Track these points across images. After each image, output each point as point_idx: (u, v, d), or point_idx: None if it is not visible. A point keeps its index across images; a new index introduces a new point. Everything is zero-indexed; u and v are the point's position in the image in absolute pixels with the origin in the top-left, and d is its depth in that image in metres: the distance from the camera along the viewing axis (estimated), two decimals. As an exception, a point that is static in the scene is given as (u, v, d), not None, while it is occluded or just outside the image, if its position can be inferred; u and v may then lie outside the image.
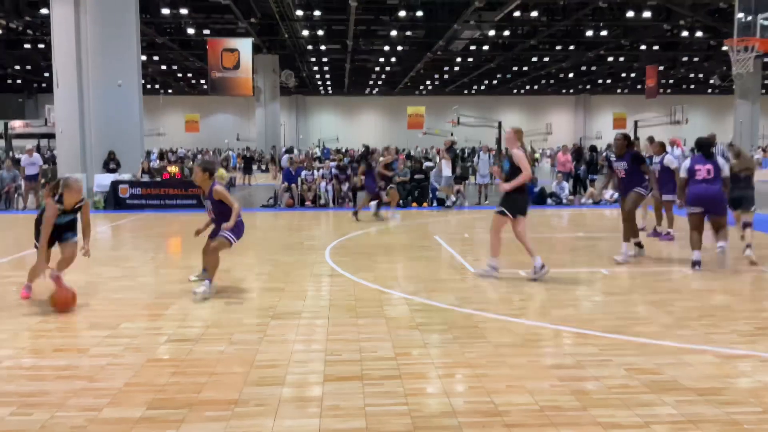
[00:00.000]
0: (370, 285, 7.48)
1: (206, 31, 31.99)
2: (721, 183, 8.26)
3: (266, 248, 10.45)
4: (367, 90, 57.84)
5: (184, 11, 27.74)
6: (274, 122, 38.56)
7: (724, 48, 11.45)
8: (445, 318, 6.02)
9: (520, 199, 7.71)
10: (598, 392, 4.18)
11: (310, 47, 36.83)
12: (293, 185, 17.46)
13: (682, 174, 8.52)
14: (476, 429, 3.63)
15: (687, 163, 8.63)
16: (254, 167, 30.90)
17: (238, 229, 7.06)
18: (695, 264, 8.21)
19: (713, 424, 3.69)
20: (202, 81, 46.00)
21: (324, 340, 5.33)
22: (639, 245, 9.18)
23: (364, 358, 4.84)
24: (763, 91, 36.34)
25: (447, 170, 17.18)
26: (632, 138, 9.73)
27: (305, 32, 32.34)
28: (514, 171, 7.60)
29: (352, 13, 25.80)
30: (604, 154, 22.26)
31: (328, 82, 53.71)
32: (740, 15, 11.37)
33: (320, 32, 32.38)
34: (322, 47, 36.59)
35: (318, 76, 49.59)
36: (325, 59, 41.37)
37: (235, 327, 5.73)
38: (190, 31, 31.40)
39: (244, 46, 28.39)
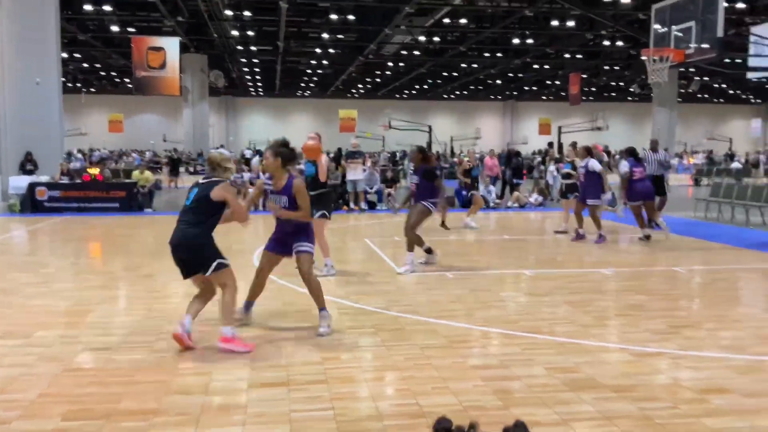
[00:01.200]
0: (299, 289, 7.41)
1: (131, 29, 31.01)
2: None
3: (193, 252, 10.20)
4: (299, 92, 57.46)
5: (107, 8, 26.82)
6: (203, 123, 37.73)
7: (643, 58, 11.96)
8: (373, 321, 6.05)
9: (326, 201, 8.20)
10: (519, 391, 4.29)
11: (240, 48, 36.28)
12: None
13: (625, 175, 11.15)
14: (401, 431, 3.66)
15: (626, 167, 11.14)
16: (182, 169, 30.18)
17: (311, 234, 5.88)
18: (646, 237, 11.17)
19: (628, 420, 3.84)
20: (127, 80, 44.57)
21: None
22: (429, 251, 8.91)
23: (290, 364, 4.80)
24: (680, 99, 38.17)
25: (352, 175, 17.00)
26: (427, 151, 9.79)
27: (235, 32, 31.83)
28: (315, 178, 8.04)
29: (283, 14, 25.59)
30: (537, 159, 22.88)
31: (259, 84, 53.05)
32: (656, 26, 11.92)
33: (250, 33, 31.95)
34: (253, 48, 36.11)
35: (248, 77, 48.90)
36: (255, 60, 40.84)
37: (156, 334, 5.58)
38: (114, 28, 30.38)
39: (170, 44, 27.69)
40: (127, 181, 18.28)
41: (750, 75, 25.81)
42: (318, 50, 36.04)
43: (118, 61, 38.85)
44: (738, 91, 53.28)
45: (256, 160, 23.16)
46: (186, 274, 5.30)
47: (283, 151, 5.67)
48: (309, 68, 43.75)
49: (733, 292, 7.80)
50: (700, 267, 9.23)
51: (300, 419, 3.81)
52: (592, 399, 4.15)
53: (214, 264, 5.12)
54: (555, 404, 4.06)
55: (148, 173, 18.55)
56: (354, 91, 55.49)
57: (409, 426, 3.72)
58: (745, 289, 8.14)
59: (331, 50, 36.37)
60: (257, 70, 45.19)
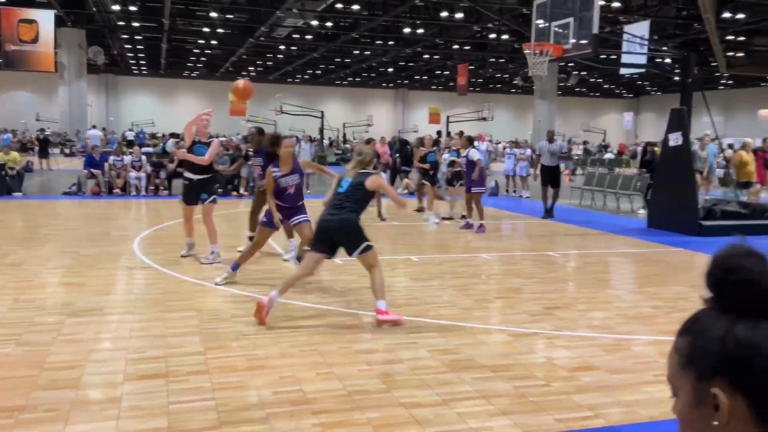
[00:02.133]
0: (182, 277, 7.18)
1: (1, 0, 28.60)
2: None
3: (66, 240, 9.61)
4: (186, 72, 55.32)
5: (-30, -27, 24.59)
6: (81, 102, 35.46)
7: (526, 51, 12.42)
8: (258, 309, 5.94)
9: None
10: (402, 374, 4.37)
11: (121, 23, 34.37)
12: (99, 171, 16.22)
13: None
14: (284, 419, 3.63)
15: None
16: (56, 150, 28.24)
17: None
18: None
19: (504, 398, 4.01)
20: (-6, 53, 41.11)
21: (127, 338, 5.02)
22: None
23: (169, 355, 4.63)
24: (559, 92, 40.11)
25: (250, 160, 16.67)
26: (274, 134, 9.93)
27: (116, 6, 30.10)
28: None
29: (169, -10, 24.49)
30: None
31: (143, 62, 50.56)
32: (539, 21, 12.42)
33: (133, 8, 30.33)
34: (136, 24, 34.31)
35: (131, 54, 46.46)
36: (138, 37, 38.84)
37: (25, 327, 5.21)
38: (-21, -4, 27.87)
39: (44, 17, 25.77)
40: (-7, 162, 16.90)
41: (623, 71, 27.50)
42: (206, 29, 34.80)
43: (-16, 33, 35.75)
44: (612, 86, 56.76)
45: (171, 143, 22.05)
46: (332, 254, 5.71)
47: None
48: (197, 48, 42.19)
49: (603, 275, 8.34)
50: (574, 251, 9.78)
51: (179, 411, 3.69)
52: (471, 379, 4.30)
53: (363, 246, 5.57)
54: (436, 385, 4.17)
55: (15, 154, 17.21)
56: (245, 73, 54.05)
57: (292, 413, 3.70)
58: (614, 272, 8.71)
59: (220, 30, 35.22)
60: (141, 47, 43.03)
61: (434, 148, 14.25)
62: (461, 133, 14.40)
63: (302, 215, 6.93)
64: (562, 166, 13.93)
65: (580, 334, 5.42)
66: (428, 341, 5.10)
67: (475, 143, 15.80)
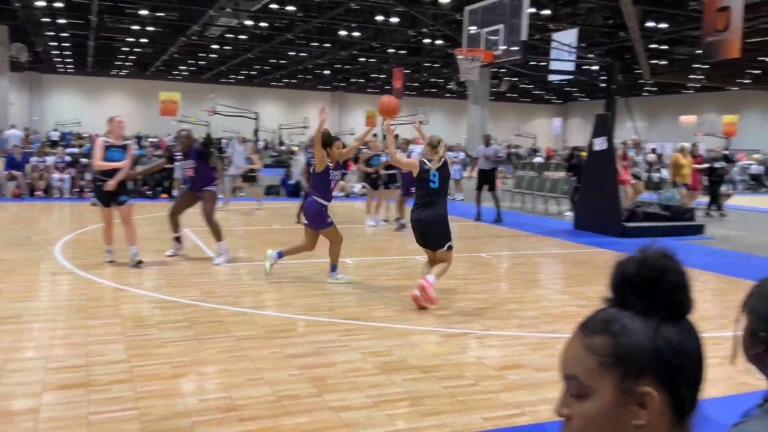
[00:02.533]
0: (106, 282, 6.94)
1: None
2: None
3: (-17, 244, 9.15)
4: (114, 71, 53.56)
5: None
6: (2, 101, 33.89)
7: (459, 57, 12.60)
8: (187, 314, 5.81)
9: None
10: (333, 377, 4.36)
11: (46, 19, 33.01)
12: (21, 173, 15.52)
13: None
14: (210, 426, 3.56)
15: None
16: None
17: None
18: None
19: (433, 399, 4.05)
20: None
21: (47, 346, 4.82)
22: (178, 240, 8.76)
23: (91, 363, 4.47)
24: (492, 97, 40.89)
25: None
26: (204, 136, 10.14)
27: (40, 2, 28.89)
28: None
29: (95, -14, 23.69)
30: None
31: (69, 60, 48.68)
32: (471, 27, 12.63)
33: (59, 4, 29.17)
34: (61, 21, 33.02)
35: (56, 52, 44.68)
36: (64, 34, 37.39)
37: (-67, 337, 4.93)
38: None
39: (-40, 10, 24.50)
40: None
41: (551, 77, 28.32)
42: (136, 27, 33.82)
43: None
44: (542, 92, 58.32)
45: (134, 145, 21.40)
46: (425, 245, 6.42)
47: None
48: (126, 46, 40.94)
49: (532, 275, 8.55)
50: (506, 252, 9.99)
51: (99, 422, 3.56)
52: (402, 380, 4.33)
53: (448, 245, 6.31)
54: (367, 387, 4.18)
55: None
56: (176, 73, 52.85)
57: (218, 420, 3.63)
58: (543, 272, 8.94)
59: (150, 28, 34.30)
60: (66, 45, 41.43)
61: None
62: (396, 137, 14.46)
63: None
64: (501, 169, 14.15)
65: (508, 334, 5.54)
66: (360, 343, 5.10)
67: (410, 146, 15.96)
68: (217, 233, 8.27)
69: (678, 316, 0.92)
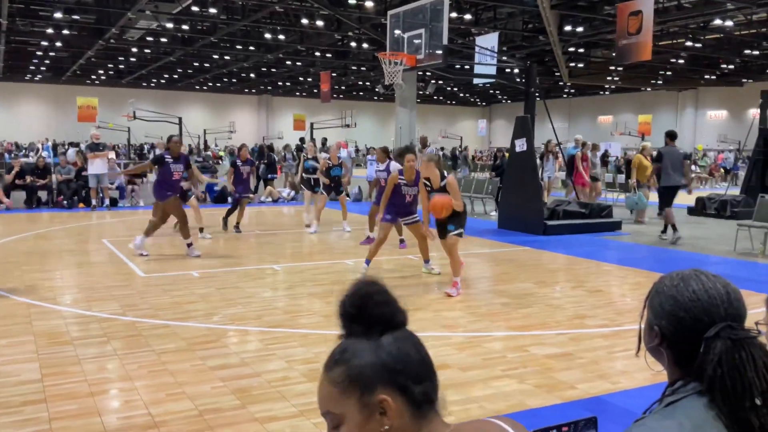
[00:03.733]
0: (18, 298, 6.62)
1: None
2: None
3: None
4: (29, 76, 51.18)
5: None
6: None
7: (383, 60, 12.68)
8: (105, 329, 5.60)
9: None
10: (258, 388, 4.29)
11: (-51, 22, 31.21)
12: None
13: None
14: (128, 445, 3.44)
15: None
16: None
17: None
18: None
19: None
20: None
21: (-50, 369, 4.55)
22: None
23: (1, 384, 4.25)
24: (419, 100, 41.38)
25: (95, 168, 15.49)
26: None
27: (-58, 3, 27.28)
28: None
29: (4, -13, 22.57)
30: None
31: (-23, 65, 46.20)
32: (395, 31, 12.74)
33: (-37, 5, 27.64)
34: (-33, 23, 31.29)
35: (-37, 56, 42.31)
36: (-29, 38, 35.45)
37: None
38: None
39: None
40: None
41: (475, 80, 28.86)
42: (50, 30, 32.44)
43: None
44: (467, 95, 59.45)
45: (71, 152, 20.41)
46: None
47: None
48: (40, 50, 39.19)
49: (459, 275, 8.67)
50: (433, 254, 10.09)
51: (8, 447, 3.39)
52: (328, 388, 4.30)
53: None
54: (293, 397, 4.14)
55: None
56: (94, 77, 50.97)
57: (137, 438, 3.52)
58: (468, 272, 9.08)
59: (66, 32, 32.96)
60: (-26, 48, 39.31)
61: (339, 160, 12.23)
62: (324, 140, 14.36)
63: (416, 216, 8.16)
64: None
65: (434, 334, 5.60)
66: (287, 351, 5.05)
67: (342, 151, 15.84)
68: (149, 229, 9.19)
69: (394, 328, 1.07)
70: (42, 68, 47.50)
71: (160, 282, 7.62)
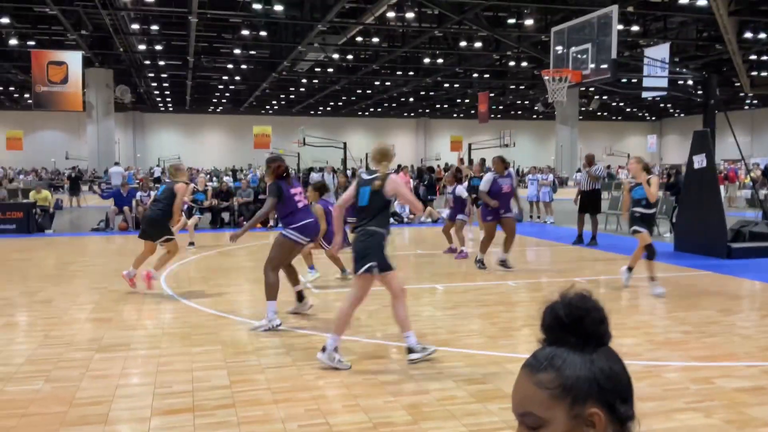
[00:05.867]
0: (207, 310, 7.24)
1: (31, 42, 29.56)
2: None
3: (94, 275, 9.77)
4: (211, 108, 56.36)
5: (5, 20, 25.47)
6: (108, 140, 36.33)
7: (545, 78, 12.46)
8: (283, 341, 5.96)
9: None
10: (428, 405, 4.34)
11: (147, 62, 35.25)
12: (126, 207, 16.49)
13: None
14: (309, 452, 3.62)
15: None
16: (85, 188, 28.83)
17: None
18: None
19: (531, 428, 3.95)
20: (27, 95, 42.42)
21: (154, 372, 5.06)
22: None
23: (196, 389, 4.66)
24: (581, 117, 40.03)
25: None
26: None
27: (142, 47, 30.92)
28: None
29: (193, 29, 25.10)
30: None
31: (168, 99, 51.67)
32: (557, 48, 12.46)
33: (159, 47, 31.12)
34: (161, 63, 35.16)
35: (157, 92, 47.54)
36: (164, 75, 39.79)
37: (54, 363, 5.28)
38: (13, 42, 28.84)
39: (73, 59, 26.53)
40: (25, 201, 17.32)
41: (645, 94, 27.41)
42: (230, 66, 35.55)
43: (17, 76, 36.95)
44: (635, 109, 56.53)
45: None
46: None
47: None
48: (221, 84, 43.05)
49: (632, 300, 8.20)
50: (603, 277, 9.65)
51: (205, 445, 3.70)
52: (498, 409, 4.25)
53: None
54: (463, 416, 4.13)
55: (45, 192, 17.63)
56: (268, 107, 55.01)
57: (317, 446, 3.69)
58: (642, 297, 8.56)
59: (243, 66, 35.95)
60: (166, 85, 44.03)
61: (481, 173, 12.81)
62: (483, 161, 14.37)
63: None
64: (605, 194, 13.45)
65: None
66: (454, 371, 5.06)
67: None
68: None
69: (602, 345, 1.11)
70: (223, 100, 52.04)
71: (330, 298, 7.97)
